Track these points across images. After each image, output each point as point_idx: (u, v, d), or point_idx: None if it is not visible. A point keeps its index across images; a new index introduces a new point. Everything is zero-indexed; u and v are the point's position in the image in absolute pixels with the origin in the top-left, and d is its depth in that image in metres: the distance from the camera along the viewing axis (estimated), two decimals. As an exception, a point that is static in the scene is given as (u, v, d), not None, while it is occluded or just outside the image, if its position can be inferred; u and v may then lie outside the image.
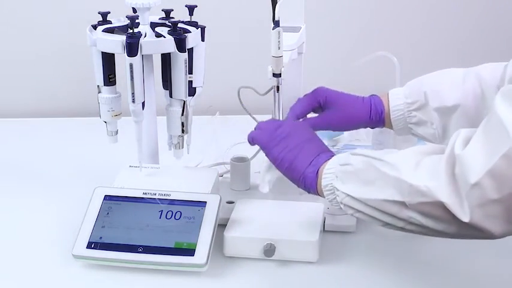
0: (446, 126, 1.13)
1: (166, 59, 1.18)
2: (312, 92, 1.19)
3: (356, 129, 1.20)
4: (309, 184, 1.01)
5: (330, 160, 0.99)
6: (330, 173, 0.98)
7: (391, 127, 1.18)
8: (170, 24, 1.16)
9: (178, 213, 1.10)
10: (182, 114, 1.20)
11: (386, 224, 0.93)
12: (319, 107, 1.18)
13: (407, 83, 1.18)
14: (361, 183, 0.94)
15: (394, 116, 1.16)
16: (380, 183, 0.91)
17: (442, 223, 0.86)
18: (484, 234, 0.83)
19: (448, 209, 0.83)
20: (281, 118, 1.17)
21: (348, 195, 0.95)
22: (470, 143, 0.82)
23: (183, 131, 1.22)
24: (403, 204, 0.88)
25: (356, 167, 0.95)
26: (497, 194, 0.79)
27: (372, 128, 1.21)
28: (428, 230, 0.89)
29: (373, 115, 1.17)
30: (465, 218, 0.81)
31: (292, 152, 1.02)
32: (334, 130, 1.20)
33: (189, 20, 1.21)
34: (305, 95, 1.19)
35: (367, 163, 0.94)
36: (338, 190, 0.96)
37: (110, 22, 1.20)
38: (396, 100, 1.16)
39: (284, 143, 1.04)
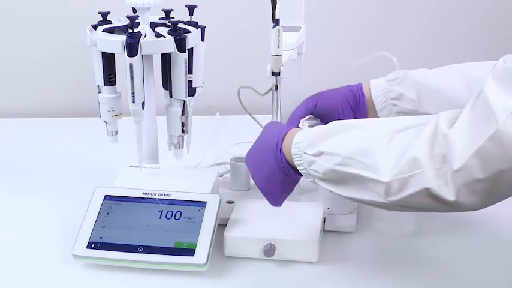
0: (423, 102, 1.15)
1: (166, 59, 1.18)
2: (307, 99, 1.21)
3: (340, 107, 1.19)
4: (291, 173, 1.00)
5: (296, 159, 0.97)
6: (307, 174, 0.97)
7: (375, 112, 1.18)
8: (170, 24, 1.16)
9: (178, 213, 1.10)
10: (182, 114, 1.20)
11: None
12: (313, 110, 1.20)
13: None
14: (335, 184, 0.94)
15: (375, 92, 1.17)
16: (355, 184, 0.91)
17: (426, 205, 0.86)
18: (466, 208, 0.84)
19: (432, 193, 0.84)
20: (279, 117, 1.17)
21: (331, 191, 0.95)
22: (457, 123, 0.82)
23: (183, 131, 1.22)
24: (385, 203, 0.89)
25: (322, 173, 0.94)
26: (483, 174, 0.79)
27: (354, 115, 1.20)
28: (413, 210, 0.90)
29: (350, 87, 1.19)
30: (451, 198, 0.82)
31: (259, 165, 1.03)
32: (321, 112, 1.20)
33: (189, 20, 1.21)
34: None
35: (332, 170, 0.93)
36: (320, 186, 0.97)
37: (110, 22, 1.20)
38: (376, 80, 1.19)
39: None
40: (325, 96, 1.20)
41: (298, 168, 0.98)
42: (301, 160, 0.96)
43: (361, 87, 1.20)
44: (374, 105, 1.18)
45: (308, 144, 0.95)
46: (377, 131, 0.92)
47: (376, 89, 1.18)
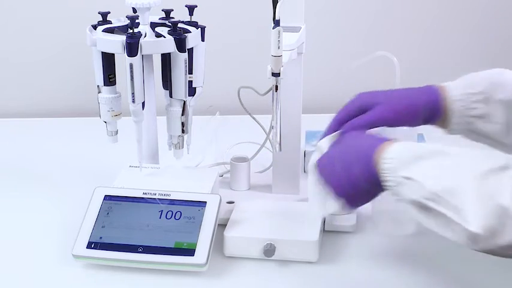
0: (510, 123, 1.04)
1: (166, 59, 1.18)
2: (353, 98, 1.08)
3: (414, 122, 1.06)
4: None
5: (385, 174, 0.92)
6: (394, 192, 0.92)
7: (444, 123, 1.06)
8: (170, 24, 1.16)
9: (178, 213, 1.10)
10: (182, 114, 1.20)
11: None
12: (360, 111, 1.06)
13: (460, 77, 1.07)
14: (418, 212, 0.89)
15: (455, 107, 1.04)
16: (440, 221, 0.87)
17: None
18: None
19: None
20: (278, 117, 1.15)
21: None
22: None
23: (183, 131, 1.22)
24: (469, 245, 0.85)
25: (408, 200, 0.90)
26: None
27: (426, 124, 1.07)
28: (506, 257, 0.86)
29: (429, 101, 1.05)
30: None
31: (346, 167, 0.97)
32: (390, 125, 1.05)
33: (189, 20, 1.21)
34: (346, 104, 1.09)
35: (417, 204, 0.88)
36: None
37: (110, 22, 1.20)
38: (455, 90, 1.05)
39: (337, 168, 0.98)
40: (397, 95, 1.07)
41: (385, 184, 0.93)
42: (389, 177, 0.92)
43: (437, 96, 1.05)
44: (448, 116, 1.06)
45: (399, 163, 0.91)
46: (466, 168, 0.86)
47: (457, 103, 1.05)
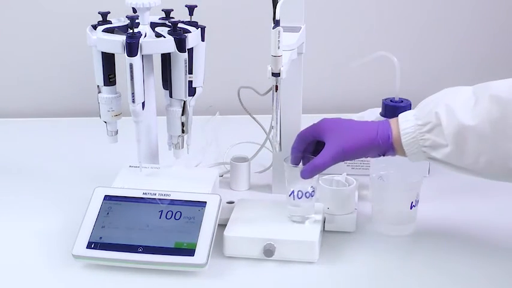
0: (462, 148, 1.04)
1: (166, 59, 1.18)
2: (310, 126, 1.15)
3: (368, 155, 1.10)
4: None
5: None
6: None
7: (403, 153, 1.09)
8: (170, 24, 1.16)
9: (178, 213, 1.10)
10: (182, 114, 1.20)
11: None
12: (315, 139, 1.14)
13: (418, 105, 1.10)
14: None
15: (405, 140, 1.07)
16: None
17: None
18: None
19: None
20: (278, 117, 1.15)
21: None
22: None
23: (183, 131, 1.22)
24: None
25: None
26: None
27: (383, 156, 1.11)
28: None
29: (379, 138, 1.08)
30: None
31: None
32: (345, 158, 1.10)
33: (189, 20, 1.21)
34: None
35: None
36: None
37: (110, 22, 1.20)
38: (406, 123, 1.08)
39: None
40: (350, 126, 1.12)
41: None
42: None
43: (389, 133, 1.09)
44: (403, 149, 1.08)
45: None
46: None
47: (406, 136, 1.07)
